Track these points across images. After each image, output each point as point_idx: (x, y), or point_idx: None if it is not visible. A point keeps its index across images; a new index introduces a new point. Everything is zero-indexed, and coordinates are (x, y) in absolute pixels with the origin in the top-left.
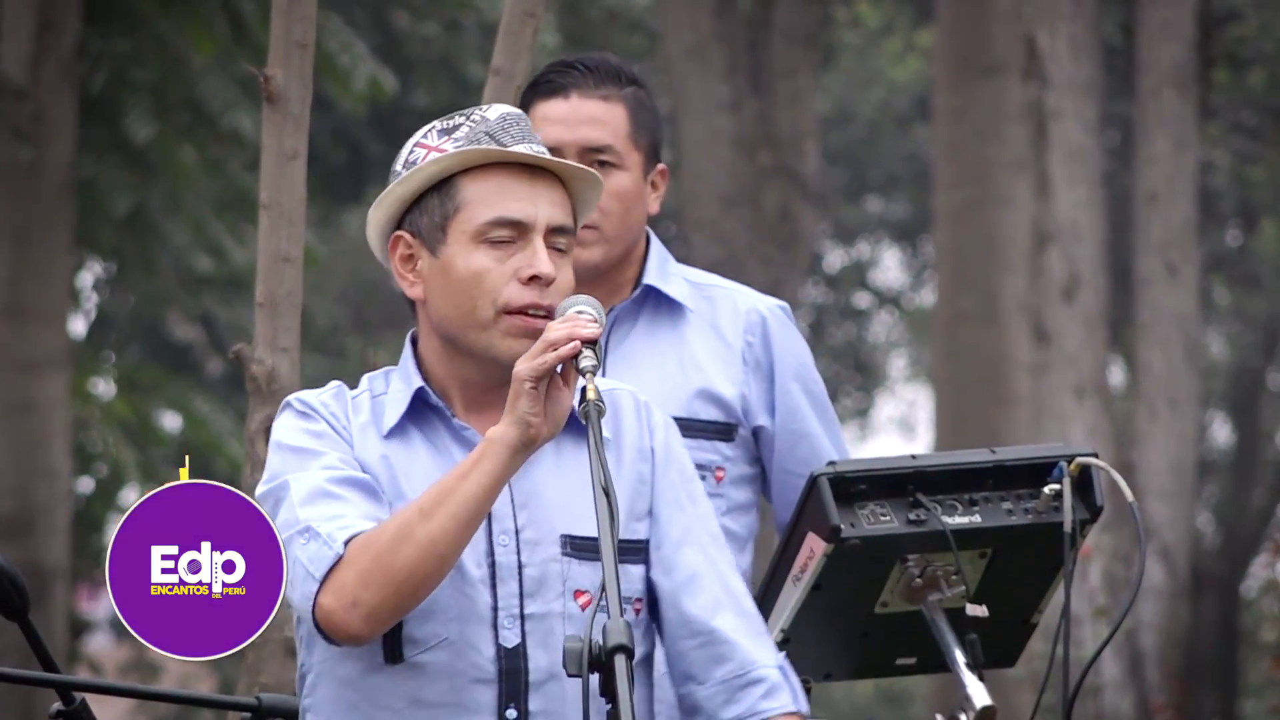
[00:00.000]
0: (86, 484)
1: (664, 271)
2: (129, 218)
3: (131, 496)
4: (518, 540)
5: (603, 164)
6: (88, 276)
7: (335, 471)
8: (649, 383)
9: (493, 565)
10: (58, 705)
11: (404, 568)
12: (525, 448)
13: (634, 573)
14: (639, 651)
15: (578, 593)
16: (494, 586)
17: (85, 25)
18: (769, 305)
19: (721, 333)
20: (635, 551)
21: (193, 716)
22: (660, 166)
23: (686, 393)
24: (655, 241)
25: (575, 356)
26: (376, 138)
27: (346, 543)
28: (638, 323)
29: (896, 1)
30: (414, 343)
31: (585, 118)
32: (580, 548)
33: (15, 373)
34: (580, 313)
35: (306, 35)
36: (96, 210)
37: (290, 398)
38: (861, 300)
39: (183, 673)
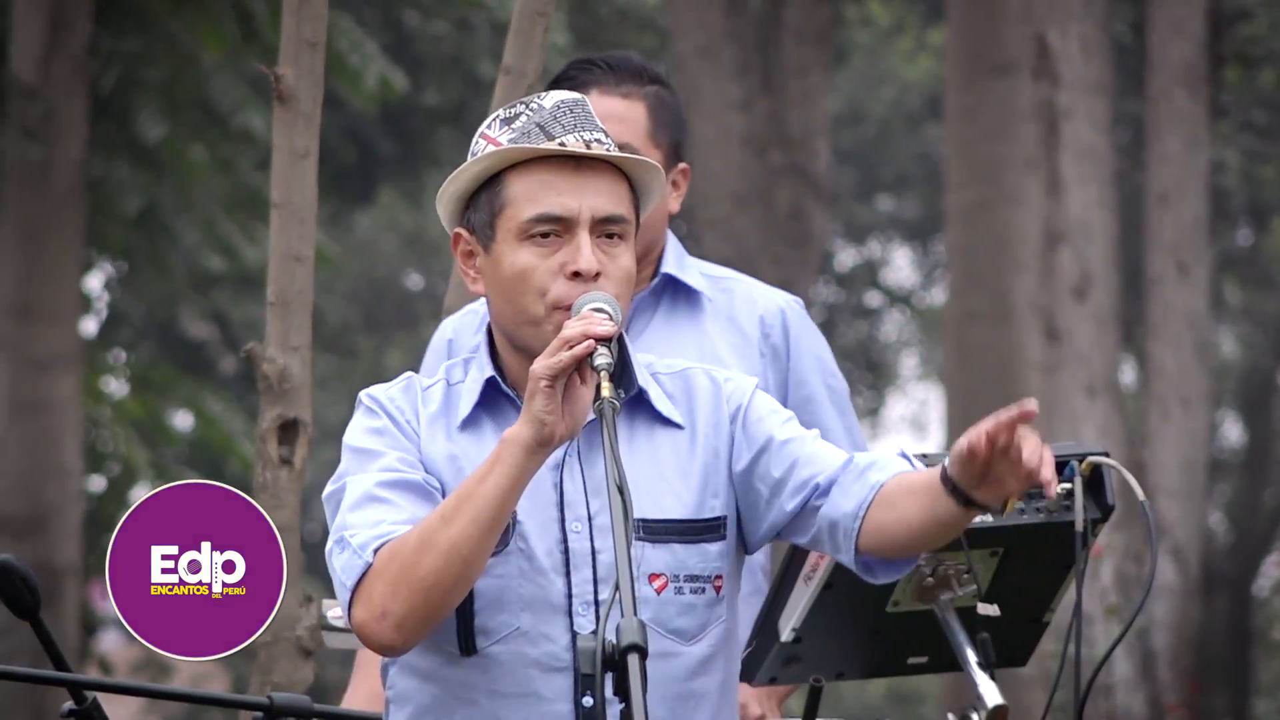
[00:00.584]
0: (98, 483)
1: (681, 263)
2: (140, 217)
3: (143, 495)
4: (591, 526)
5: None
6: (98, 276)
7: (387, 474)
8: None
9: (566, 552)
10: (69, 704)
11: (428, 575)
12: (542, 447)
13: (711, 551)
14: (719, 628)
15: (652, 576)
16: (568, 574)
17: (96, 25)
18: (787, 299)
19: (739, 324)
20: (711, 530)
21: (204, 716)
22: (682, 165)
23: None
24: (672, 236)
25: (591, 354)
26: (387, 136)
27: (376, 551)
28: (656, 313)
29: (907, 0)
30: (489, 331)
31: (605, 115)
32: (654, 531)
33: (26, 372)
34: (597, 310)
35: (317, 34)
36: (107, 209)
37: (362, 394)
38: (873, 299)
39: (194, 672)
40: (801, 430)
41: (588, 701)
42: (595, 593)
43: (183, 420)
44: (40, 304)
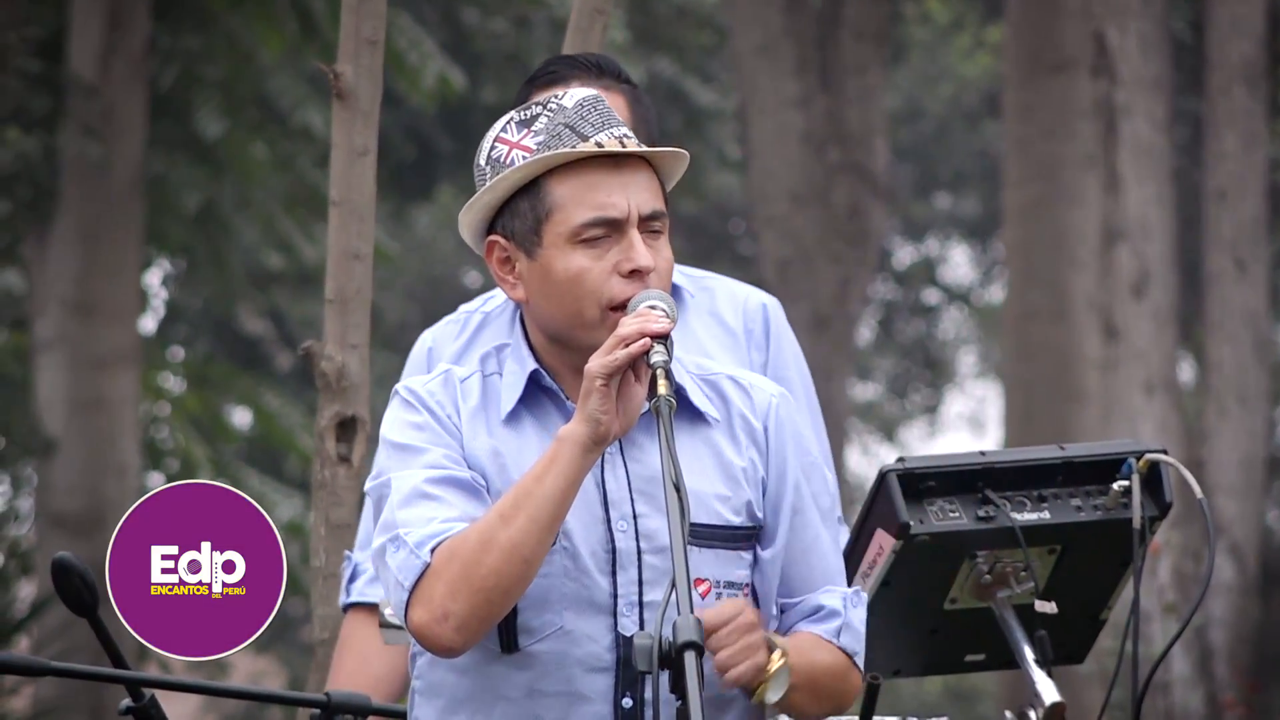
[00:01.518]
0: (157, 480)
1: None
2: (199, 214)
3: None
4: (636, 527)
5: None
6: (157, 273)
7: (435, 471)
8: None
9: (612, 552)
10: (127, 701)
11: (489, 575)
12: (597, 445)
13: (748, 558)
14: None
15: (697, 580)
16: (613, 574)
17: (155, 23)
18: (767, 296)
19: (723, 319)
20: (751, 537)
21: (262, 714)
22: None
23: None
24: None
25: (646, 352)
26: (446, 134)
27: (434, 550)
28: None
29: None
30: (523, 322)
31: None
32: (700, 535)
33: (86, 369)
34: (652, 307)
35: (376, 32)
36: (166, 207)
37: (398, 386)
38: (931, 297)
39: (251, 670)
40: (800, 521)
41: (627, 703)
42: (640, 594)
43: (241, 417)
44: (99, 301)
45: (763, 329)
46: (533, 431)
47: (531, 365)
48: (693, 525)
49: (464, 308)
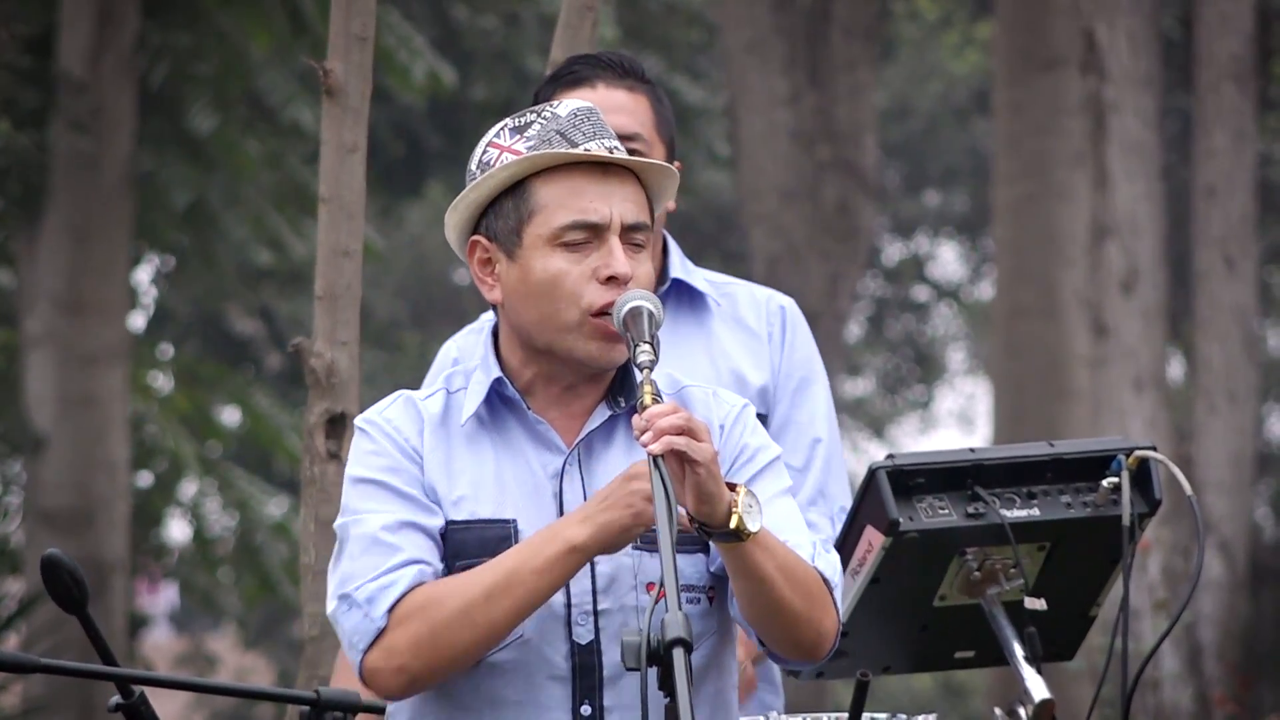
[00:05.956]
0: (145, 478)
1: (686, 268)
2: (189, 211)
3: (190, 490)
4: None
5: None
6: (146, 270)
7: (392, 516)
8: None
9: None
10: (117, 698)
11: (460, 646)
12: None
13: (703, 561)
14: (712, 639)
15: (650, 585)
16: (567, 584)
17: (145, 19)
18: (785, 298)
19: (745, 323)
20: (702, 540)
21: (251, 711)
22: (676, 163)
23: (716, 383)
24: (672, 241)
25: (635, 350)
26: (436, 131)
27: (390, 610)
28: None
29: None
30: (495, 335)
31: (614, 106)
32: (651, 540)
33: (75, 366)
34: (637, 307)
35: (366, 28)
36: (156, 204)
37: (359, 420)
38: (920, 293)
39: (240, 666)
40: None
41: (586, 710)
42: (595, 603)
43: (229, 415)
44: (89, 298)
45: (780, 329)
46: (488, 441)
47: (495, 373)
48: (650, 531)
49: (486, 316)
